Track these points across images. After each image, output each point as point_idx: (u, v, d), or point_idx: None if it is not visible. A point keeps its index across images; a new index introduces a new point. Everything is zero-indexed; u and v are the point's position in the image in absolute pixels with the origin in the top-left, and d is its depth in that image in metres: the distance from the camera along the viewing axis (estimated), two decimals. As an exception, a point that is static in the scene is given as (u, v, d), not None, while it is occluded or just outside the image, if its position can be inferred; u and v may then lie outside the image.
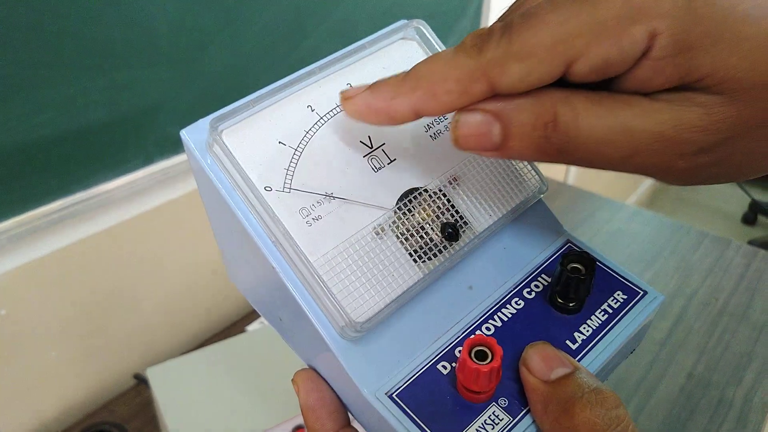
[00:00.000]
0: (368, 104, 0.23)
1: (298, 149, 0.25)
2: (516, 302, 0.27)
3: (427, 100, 0.22)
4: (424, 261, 0.25)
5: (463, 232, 0.26)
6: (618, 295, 0.27)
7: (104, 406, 0.77)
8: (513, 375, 0.24)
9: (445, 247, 0.26)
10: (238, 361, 0.71)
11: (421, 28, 0.28)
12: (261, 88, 0.26)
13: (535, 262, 0.28)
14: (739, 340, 0.83)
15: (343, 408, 0.26)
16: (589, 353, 0.25)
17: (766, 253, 1.00)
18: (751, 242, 2.08)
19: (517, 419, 0.23)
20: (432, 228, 0.26)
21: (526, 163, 0.28)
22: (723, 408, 0.74)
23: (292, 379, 0.26)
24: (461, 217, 0.26)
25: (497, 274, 0.27)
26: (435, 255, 0.26)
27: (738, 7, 0.18)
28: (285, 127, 0.25)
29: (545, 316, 0.26)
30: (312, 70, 0.26)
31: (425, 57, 0.28)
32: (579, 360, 0.25)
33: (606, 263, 0.28)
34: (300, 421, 0.58)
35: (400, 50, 0.28)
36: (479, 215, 0.27)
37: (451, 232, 0.26)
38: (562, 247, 0.29)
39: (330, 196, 0.25)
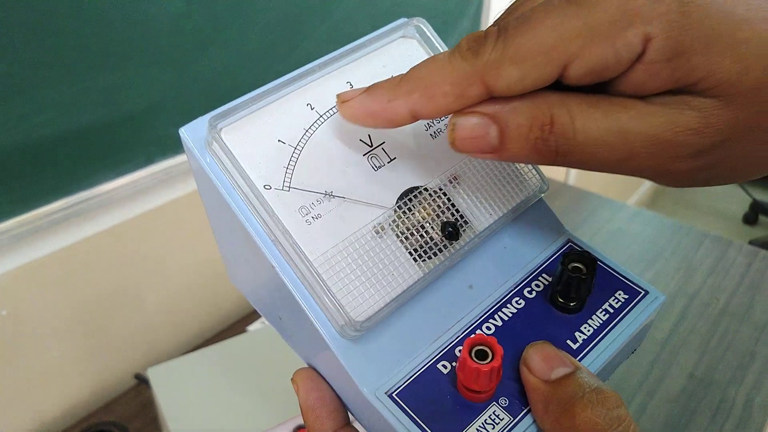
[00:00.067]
0: (365, 107, 0.23)
1: (298, 147, 0.25)
2: (517, 301, 0.26)
3: (424, 102, 0.22)
4: (424, 260, 0.25)
5: (464, 231, 0.26)
6: (619, 294, 0.27)
7: (105, 406, 0.77)
8: (513, 374, 0.24)
9: (445, 246, 0.26)
10: (239, 361, 0.71)
11: (422, 26, 0.28)
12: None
13: (536, 262, 0.28)
14: (740, 340, 0.83)
15: (342, 407, 0.26)
16: (590, 353, 0.25)
17: (767, 253, 1.00)
18: (752, 242, 2.08)
19: (517, 419, 0.23)
20: (432, 227, 0.26)
21: (526, 162, 0.28)
22: (725, 408, 0.74)
23: (292, 378, 0.26)
24: (461, 216, 0.26)
25: (498, 273, 0.27)
26: (435, 254, 0.25)
27: (732, 10, 0.18)
28: (284, 126, 0.25)
29: (546, 315, 0.26)
30: (312, 68, 0.26)
31: (425, 55, 0.28)
32: (580, 360, 0.25)
33: (607, 263, 0.28)
34: (301, 420, 0.58)
35: (400, 48, 0.28)
36: (480, 214, 0.27)
37: (452, 231, 0.26)
38: (563, 246, 0.29)
39: (330, 195, 0.25)
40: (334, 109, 0.26)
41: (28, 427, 0.73)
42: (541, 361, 0.23)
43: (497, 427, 0.22)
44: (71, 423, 0.75)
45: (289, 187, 0.24)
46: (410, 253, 0.25)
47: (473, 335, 0.23)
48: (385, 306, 0.24)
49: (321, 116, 0.26)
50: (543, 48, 0.19)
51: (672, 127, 0.19)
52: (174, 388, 0.68)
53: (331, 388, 0.26)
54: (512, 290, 0.27)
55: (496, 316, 0.26)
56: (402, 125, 0.23)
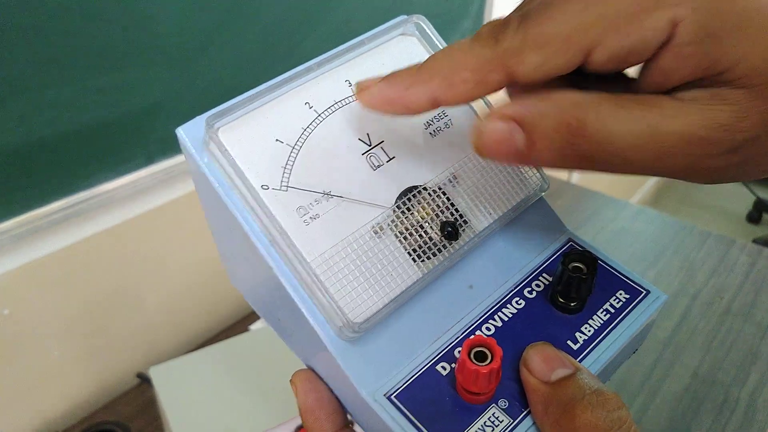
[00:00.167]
0: (383, 94, 0.23)
1: (296, 147, 0.25)
2: (517, 302, 0.26)
3: (444, 88, 0.21)
4: (423, 260, 0.25)
5: (463, 230, 0.26)
6: (620, 294, 0.27)
7: (107, 405, 0.77)
8: (513, 375, 0.24)
9: (444, 246, 0.25)
10: (241, 360, 0.71)
11: (421, 23, 0.28)
12: (261, 88, 0.25)
13: (536, 261, 0.28)
14: (743, 339, 0.83)
15: (341, 409, 0.26)
16: (591, 353, 0.25)
17: (771, 252, 0.99)
18: (755, 241, 2.07)
19: (517, 421, 0.23)
20: (431, 227, 0.25)
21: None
22: (728, 407, 0.73)
23: (291, 380, 0.26)
24: (461, 216, 0.26)
25: (498, 273, 0.27)
26: (434, 254, 0.25)
27: None
28: (282, 125, 0.25)
29: (546, 315, 0.26)
30: (310, 67, 0.26)
31: (425, 53, 0.28)
32: (580, 360, 0.25)
33: (608, 262, 0.28)
34: (302, 421, 0.58)
35: (399, 46, 0.28)
36: (479, 214, 0.27)
37: (451, 230, 0.25)
38: (564, 245, 0.29)
39: (328, 195, 0.24)
40: (333, 108, 0.26)
41: (29, 427, 0.73)
42: (541, 362, 0.23)
43: (497, 429, 0.22)
44: (73, 423, 0.75)
45: (287, 186, 0.24)
46: (409, 253, 0.25)
47: (472, 336, 0.22)
48: (383, 307, 0.24)
49: (319, 115, 0.26)
50: (565, 33, 0.19)
51: (705, 124, 0.19)
52: (176, 387, 0.68)
53: (330, 389, 0.26)
54: (512, 290, 0.27)
55: (496, 317, 0.26)
56: (420, 113, 0.23)
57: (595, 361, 0.25)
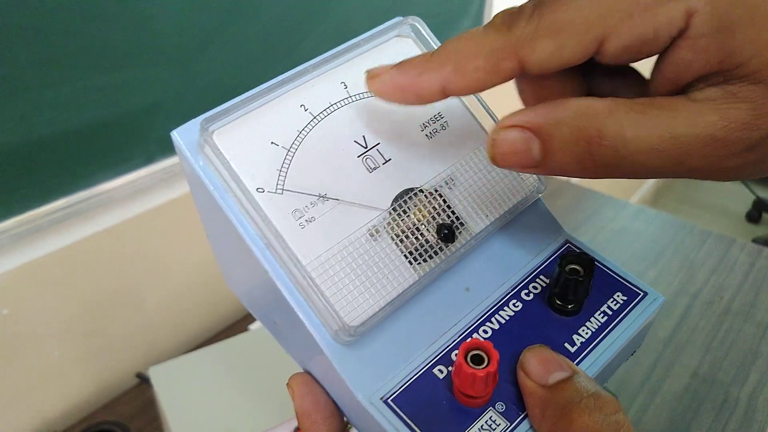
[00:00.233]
0: (394, 82, 0.22)
1: (291, 150, 0.25)
2: (514, 304, 0.26)
3: (456, 76, 0.21)
4: (419, 263, 0.25)
5: (460, 233, 0.26)
6: (618, 296, 0.27)
7: (106, 405, 0.77)
8: (511, 378, 0.24)
9: (441, 249, 0.25)
10: (240, 360, 0.71)
11: (417, 25, 0.28)
12: (260, 88, 0.25)
13: (533, 264, 0.28)
14: (743, 338, 0.83)
15: (338, 412, 0.26)
16: (588, 356, 0.25)
17: (771, 251, 0.99)
18: (755, 240, 2.07)
19: (514, 424, 0.22)
20: (428, 229, 0.25)
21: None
22: (728, 407, 0.73)
23: (287, 383, 0.26)
24: (457, 218, 0.26)
25: (494, 275, 0.27)
26: (431, 256, 0.25)
27: None
28: (278, 127, 0.25)
29: (543, 318, 0.26)
30: (305, 69, 0.26)
31: (421, 55, 0.28)
32: (578, 363, 0.24)
33: (605, 264, 0.28)
34: (301, 421, 0.58)
35: (395, 48, 0.28)
36: (476, 216, 0.26)
37: (447, 233, 0.25)
38: (561, 247, 0.28)
39: (324, 197, 0.24)
40: (328, 111, 0.26)
41: (29, 427, 0.74)
42: (538, 365, 0.23)
43: (493, 433, 0.22)
44: (72, 423, 0.75)
45: (283, 189, 0.24)
46: (405, 256, 0.25)
47: (469, 339, 0.22)
48: (379, 310, 0.24)
49: (315, 117, 0.25)
50: (580, 20, 0.19)
51: (725, 124, 0.18)
52: (175, 387, 0.68)
53: (327, 393, 0.26)
54: (509, 293, 0.26)
55: (492, 319, 0.26)
56: (432, 101, 0.22)
57: (592, 363, 0.25)
